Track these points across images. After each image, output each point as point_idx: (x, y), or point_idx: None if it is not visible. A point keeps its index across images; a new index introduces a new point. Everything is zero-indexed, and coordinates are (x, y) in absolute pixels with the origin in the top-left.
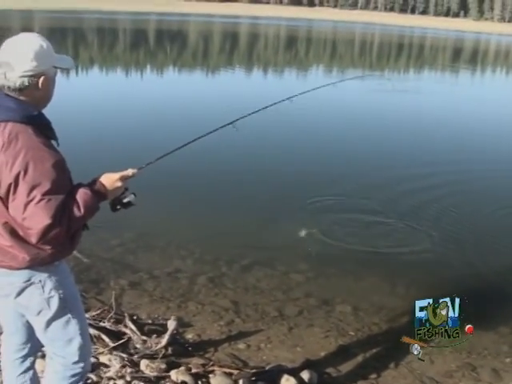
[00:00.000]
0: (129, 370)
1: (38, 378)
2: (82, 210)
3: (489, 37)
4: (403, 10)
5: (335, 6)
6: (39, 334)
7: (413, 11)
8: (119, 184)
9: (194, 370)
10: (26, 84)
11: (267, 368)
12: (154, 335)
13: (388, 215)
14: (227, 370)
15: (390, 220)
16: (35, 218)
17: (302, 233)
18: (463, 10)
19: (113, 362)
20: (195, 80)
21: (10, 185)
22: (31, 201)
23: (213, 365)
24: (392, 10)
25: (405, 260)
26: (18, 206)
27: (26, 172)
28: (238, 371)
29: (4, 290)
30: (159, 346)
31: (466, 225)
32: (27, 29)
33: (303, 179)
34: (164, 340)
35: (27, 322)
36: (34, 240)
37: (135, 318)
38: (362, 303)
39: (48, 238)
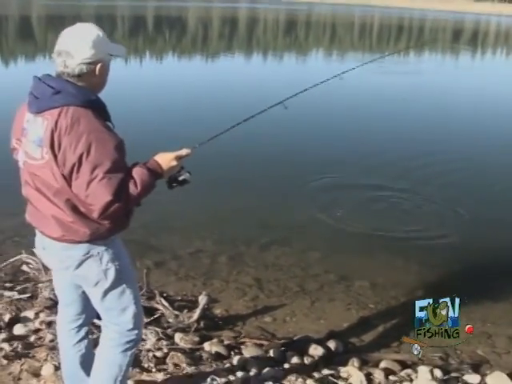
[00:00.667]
0: (164, 342)
1: (91, 346)
2: (139, 188)
3: (489, 18)
4: None
5: None
6: (96, 303)
7: None
8: (174, 163)
9: (226, 342)
10: (85, 71)
11: (295, 338)
12: (186, 310)
13: (401, 198)
14: (258, 342)
15: (402, 203)
16: (97, 194)
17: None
18: None
19: (148, 336)
20: (217, 65)
21: (73, 164)
22: (94, 179)
23: (244, 337)
24: None
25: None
26: (81, 184)
27: (88, 152)
28: (268, 342)
29: (64, 263)
30: (191, 319)
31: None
32: (25, 17)
33: (320, 160)
34: (196, 314)
35: (82, 293)
36: (95, 215)
37: (165, 295)
38: (379, 278)
39: (108, 213)
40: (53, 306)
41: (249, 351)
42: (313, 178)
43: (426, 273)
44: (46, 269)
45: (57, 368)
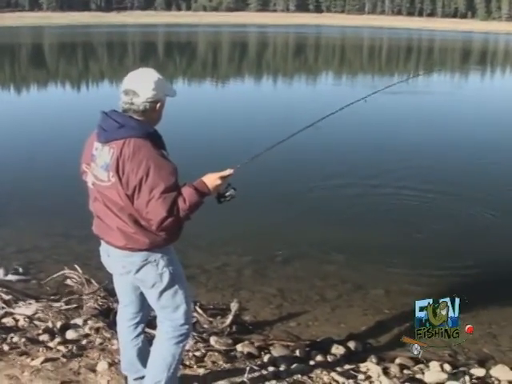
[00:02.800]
0: (201, 344)
1: (147, 341)
2: (187, 204)
3: (497, 37)
4: (410, 13)
5: (342, 12)
6: (152, 303)
7: (420, 13)
8: (219, 182)
9: (256, 344)
10: (148, 108)
11: (318, 340)
12: (218, 317)
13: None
14: (285, 343)
15: (411, 213)
16: (155, 211)
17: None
18: (470, 10)
19: None
20: (228, 89)
21: (135, 186)
22: (152, 198)
23: (272, 339)
24: (399, 13)
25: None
26: (141, 203)
27: (147, 176)
28: (294, 343)
29: (126, 268)
30: (224, 325)
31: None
32: (37, 44)
33: (333, 175)
34: (228, 320)
35: (140, 294)
36: (154, 228)
37: (198, 304)
38: (393, 286)
39: (164, 226)
40: (98, 314)
41: (277, 351)
42: (329, 194)
43: (439, 279)
44: (89, 282)
45: (110, 364)
